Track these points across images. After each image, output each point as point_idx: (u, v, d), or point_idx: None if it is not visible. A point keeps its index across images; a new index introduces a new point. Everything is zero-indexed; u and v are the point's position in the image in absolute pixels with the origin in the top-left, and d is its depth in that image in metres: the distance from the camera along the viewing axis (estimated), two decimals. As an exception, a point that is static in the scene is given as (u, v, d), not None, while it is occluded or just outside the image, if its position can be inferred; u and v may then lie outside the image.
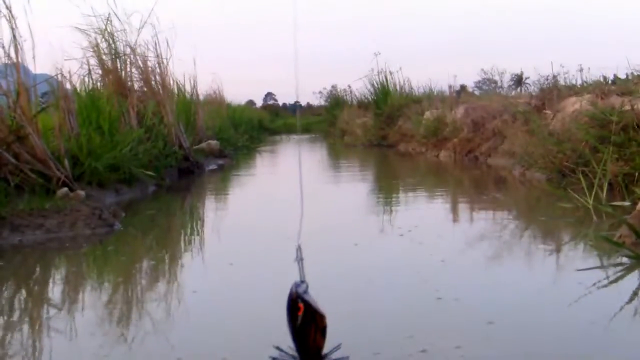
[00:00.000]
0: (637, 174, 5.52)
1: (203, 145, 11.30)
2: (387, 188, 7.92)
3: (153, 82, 9.51)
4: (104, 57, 9.02)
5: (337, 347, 1.55)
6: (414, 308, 2.77)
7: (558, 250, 3.95)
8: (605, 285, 3.02)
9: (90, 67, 8.89)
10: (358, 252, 3.91)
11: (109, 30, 9.00)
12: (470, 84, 23.57)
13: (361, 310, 2.74)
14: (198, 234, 5.05)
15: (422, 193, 7.00)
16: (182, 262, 3.97)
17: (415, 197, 6.67)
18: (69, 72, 7.84)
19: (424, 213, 5.52)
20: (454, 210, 5.80)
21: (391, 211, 5.82)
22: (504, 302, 2.81)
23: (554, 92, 8.96)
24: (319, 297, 1.56)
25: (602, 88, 7.83)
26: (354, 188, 7.74)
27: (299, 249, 1.45)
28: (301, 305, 1.44)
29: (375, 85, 18.60)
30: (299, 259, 1.45)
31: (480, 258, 3.66)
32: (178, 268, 3.82)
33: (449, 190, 7.43)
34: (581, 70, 10.01)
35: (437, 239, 4.24)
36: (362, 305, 2.80)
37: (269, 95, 51.56)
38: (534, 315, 2.61)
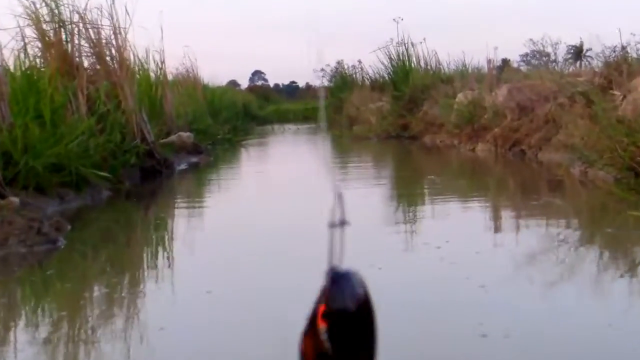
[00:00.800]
0: None
1: (172, 138, 11.32)
2: (410, 192, 7.89)
3: (108, 58, 9.50)
4: (44, 26, 9.00)
5: None
6: (450, 347, 2.73)
7: (631, 271, 3.91)
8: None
9: (27, 40, 8.87)
10: (375, 274, 3.86)
11: (50, -9, 8.99)
12: (515, 58, 23.60)
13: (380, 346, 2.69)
14: (166, 254, 5.01)
15: (454, 199, 6.97)
16: (146, 291, 3.92)
17: (446, 204, 6.64)
18: (-1, 45, 7.79)
19: (458, 224, 5.49)
20: (496, 220, 5.77)
21: (416, 222, 5.80)
22: (566, 340, 2.76)
23: (623, 67, 8.92)
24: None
25: (685, 62, 7.80)
26: (369, 194, 7.70)
27: (337, 195, 0.79)
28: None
29: (394, 60, 18.61)
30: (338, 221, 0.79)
31: (531, 283, 3.62)
32: (140, 298, 3.77)
33: (489, 194, 7.40)
34: (658, 39, 9.98)
35: (475, 258, 4.20)
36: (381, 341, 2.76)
37: (257, 74, 51.88)
38: (604, 356, 2.56)
